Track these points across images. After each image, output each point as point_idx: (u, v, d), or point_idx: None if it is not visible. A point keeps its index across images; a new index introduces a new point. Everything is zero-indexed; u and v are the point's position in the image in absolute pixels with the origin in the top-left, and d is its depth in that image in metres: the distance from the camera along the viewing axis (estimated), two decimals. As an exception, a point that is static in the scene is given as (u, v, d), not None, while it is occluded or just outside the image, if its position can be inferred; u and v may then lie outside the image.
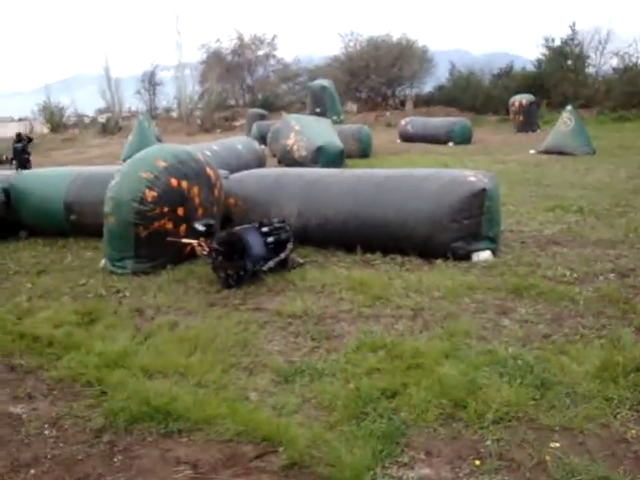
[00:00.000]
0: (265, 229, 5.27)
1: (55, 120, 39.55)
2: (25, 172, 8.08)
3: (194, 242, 5.28)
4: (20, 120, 41.61)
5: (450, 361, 3.37)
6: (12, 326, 4.36)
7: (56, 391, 3.42)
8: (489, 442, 2.65)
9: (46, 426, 3.05)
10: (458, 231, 5.38)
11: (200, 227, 5.21)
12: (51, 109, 40.08)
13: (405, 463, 2.55)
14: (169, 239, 5.42)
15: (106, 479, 2.59)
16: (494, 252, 5.52)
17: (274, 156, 14.43)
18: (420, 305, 4.35)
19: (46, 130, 38.03)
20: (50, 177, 7.74)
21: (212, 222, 5.35)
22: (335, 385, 3.21)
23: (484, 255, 5.42)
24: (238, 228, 5.37)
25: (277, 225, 5.34)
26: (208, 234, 5.21)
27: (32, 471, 2.68)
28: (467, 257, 5.39)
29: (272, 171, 7.52)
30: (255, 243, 5.14)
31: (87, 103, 45.53)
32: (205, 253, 5.18)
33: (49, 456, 2.79)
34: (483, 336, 3.76)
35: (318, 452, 2.62)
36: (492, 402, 2.89)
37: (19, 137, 16.13)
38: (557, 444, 2.61)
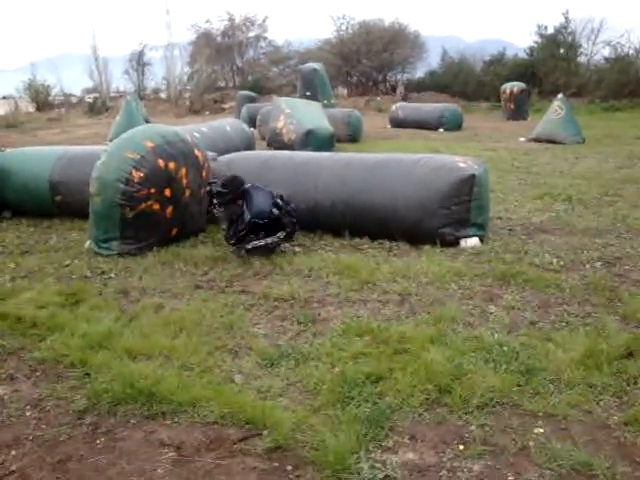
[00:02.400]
0: (279, 201, 5.20)
1: (41, 99, 38.95)
2: (10, 151, 7.93)
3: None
4: (4, 98, 40.95)
5: (436, 347, 3.37)
6: (-6, 307, 4.30)
7: (39, 372, 3.38)
8: (473, 427, 2.65)
9: (28, 407, 3.01)
10: (446, 217, 5.37)
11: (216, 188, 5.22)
12: (36, 87, 39.44)
13: (389, 447, 2.55)
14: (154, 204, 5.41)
15: (88, 461, 2.56)
16: (482, 239, 5.52)
17: (263, 139, 14.31)
18: (407, 290, 4.35)
19: (31, 109, 37.48)
20: (35, 156, 7.61)
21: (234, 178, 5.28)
22: (320, 369, 3.20)
23: (472, 242, 5.42)
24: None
25: (290, 208, 5.28)
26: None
27: (13, 452, 2.65)
28: (455, 243, 5.39)
29: (260, 154, 7.46)
30: (261, 200, 5.08)
31: (74, 82, 44.87)
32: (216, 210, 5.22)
33: (30, 437, 2.75)
34: (469, 322, 3.76)
35: (302, 436, 2.61)
36: (477, 388, 2.89)
37: None
38: (540, 430, 2.62)
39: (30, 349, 3.65)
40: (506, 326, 3.68)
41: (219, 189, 5.05)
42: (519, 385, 2.95)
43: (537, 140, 14.59)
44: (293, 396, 2.98)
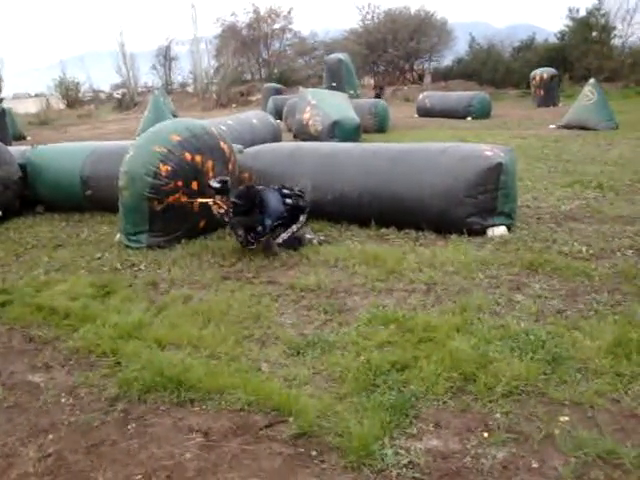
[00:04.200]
0: (285, 191, 5.27)
1: (71, 96, 39.71)
2: (42, 147, 8.12)
3: (209, 200, 5.28)
4: (36, 96, 41.83)
5: (461, 335, 3.37)
6: (30, 298, 4.43)
7: (72, 361, 3.49)
8: (498, 415, 2.65)
9: (63, 394, 3.12)
10: (473, 206, 5.33)
11: (215, 184, 5.16)
12: (67, 85, 40.20)
13: (413, 434, 2.56)
14: (184, 199, 5.45)
15: (120, 445, 2.65)
16: (509, 228, 5.47)
17: (290, 131, 14.36)
18: (433, 280, 4.34)
19: (62, 106, 38.21)
20: (66, 152, 7.79)
21: (227, 179, 5.30)
22: (346, 358, 3.22)
23: (499, 230, 5.37)
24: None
25: (297, 192, 5.34)
26: (223, 191, 5.17)
27: (50, 436, 2.75)
28: (482, 232, 5.35)
29: (287, 145, 7.49)
30: (274, 201, 5.13)
31: (103, 79, 45.66)
32: (222, 211, 5.16)
33: (66, 423, 2.85)
34: (496, 311, 3.75)
35: (327, 422, 2.65)
36: (502, 376, 2.89)
37: None
38: (566, 418, 2.61)
39: (64, 339, 3.77)
40: (533, 315, 3.66)
41: (234, 200, 5.08)
42: (545, 373, 2.94)
43: (568, 127, 14.31)
44: (319, 384, 3.01)
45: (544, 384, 2.86)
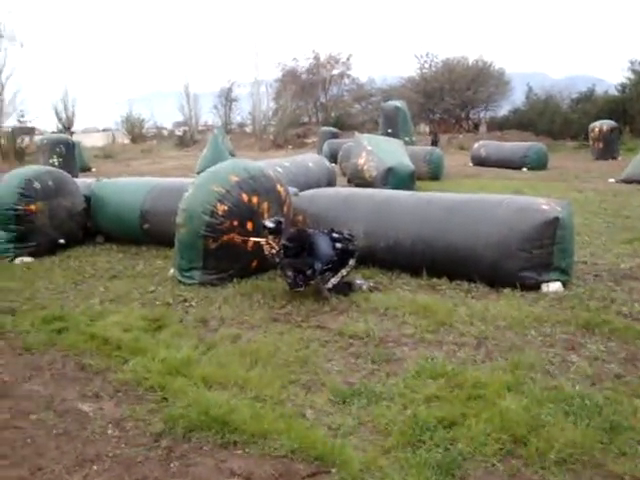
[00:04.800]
0: (335, 235, 5.30)
1: (135, 132, 41.51)
2: (106, 180, 8.48)
3: (262, 240, 5.35)
4: (104, 130, 43.87)
5: (512, 394, 3.26)
6: (85, 327, 4.57)
7: (121, 393, 3.55)
8: (551, 484, 2.54)
9: (110, 426, 3.17)
10: (528, 260, 5.23)
11: (269, 224, 5.26)
12: (132, 121, 42.10)
13: (460, 497, 2.48)
14: (236, 237, 5.54)
15: (162, 484, 2.65)
16: (565, 284, 5.32)
17: (344, 175, 14.51)
18: (484, 334, 4.25)
19: (127, 141, 39.91)
20: (128, 186, 8.10)
21: (281, 220, 5.39)
22: (392, 410, 3.17)
23: (554, 286, 5.23)
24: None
25: (347, 236, 5.36)
26: (277, 231, 5.25)
27: (95, 467, 2.79)
28: (536, 287, 5.22)
29: (342, 190, 7.56)
30: (324, 244, 5.16)
31: (166, 117, 47.56)
32: (274, 252, 5.22)
33: (111, 455, 2.89)
34: (549, 371, 3.62)
35: (371, 477, 2.59)
36: (555, 441, 2.77)
37: None
38: (626, 495, 2.47)
39: (114, 370, 3.85)
40: (589, 378, 3.51)
41: (285, 243, 5.14)
42: (602, 443, 2.80)
43: (628, 181, 13.93)
44: (363, 435, 2.96)
45: (601, 454, 2.72)
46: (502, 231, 5.34)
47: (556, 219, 5.20)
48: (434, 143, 24.17)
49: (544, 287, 5.22)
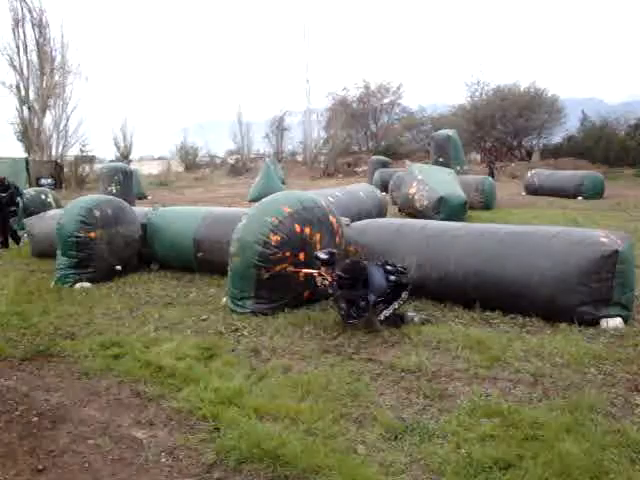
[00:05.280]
0: (389, 268, 5.28)
1: (189, 160, 42.72)
2: (161, 209, 8.72)
3: (315, 272, 5.37)
4: (159, 159, 45.33)
5: (572, 437, 3.14)
6: (140, 354, 4.67)
7: (174, 421, 3.60)
8: (615, 535, 2.42)
9: (163, 454, 3.22)
10: (586, 294, 5.07)
11: (323, 255, 5.29)
12: (186, 149, 43.39)
13: None
14: (290, 269, 5.59)
15: (214, 516, 2.66)
16: (626, 320, 5.12)
17: (395, 204, 14.50)
18: (541, 371, 4.12)
19: (181, 169, 41.09)
20: (182, 215, 8.31)
21: (334, 251, 5.41)
22: (445, 448, 3.10)
23: (614, 322, 5.04)
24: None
25: (400, 268, 5.34)
26: (330, 263, 5.28)
27: (148, 497, 2.83)
28: (595, 323, 5.04)
29: (393, 221, 7.55)
30: (378, 276, 5.14)
31: (219, 145, 48.75)
32: (326, 283, 5.23)
33: (164, 484, 2.93)
34: (611, 413, 3.47)
35: (425, 519, 2.53)
36: (620, 490, 2.65)
37: (2, 184, 10.96)
38: None
39: (168, 398, 3.92)
40: (654, 421, 3.35)
41: (339, 274, 5.15)
42: (670, 492, 2.66)
43: (691, 212, 13.41)
44: (416, 474, 2.91)
45: (669, 506, 2.58)
46: (558, 265, 5.20)
47: (615, 252, 5.04)
48: (491, 173, 23.87)
49: (603, 323, 5.04)
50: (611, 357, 4.33)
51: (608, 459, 2.91)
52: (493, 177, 25.40)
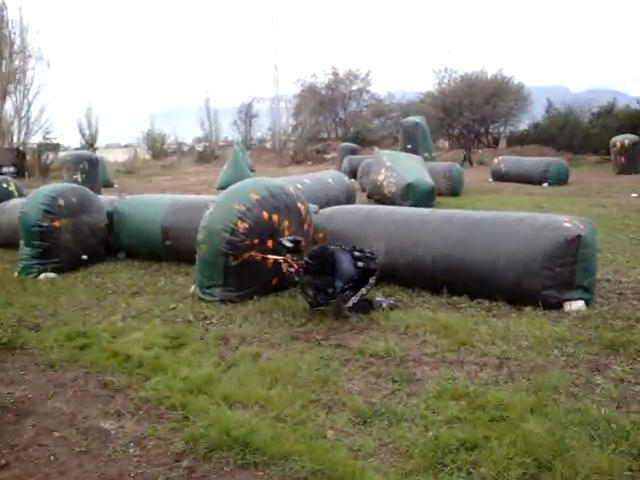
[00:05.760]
0: (357, 254, 5.30)
1: (157, 147, 42.06)
2: (128, 197, 8.60)
3: (281, 258, 5.37)
4: (125, 146, 44.54)
5: (536, 417, 3.21)
6: (107, 344, 4.61)
7: (142, 411, 3.57)
8: (576, 511, 2.49)
9: (131, 444, 3.18)
10: (550, 278, 5.18)
11: (287, 243, 5.28)
12: (154, 137, 42.69)
13: (484, 523, 2.44)
14: (254, 254, 5.56)
15: (184, 505, 2.66)
16: (588, 302, 5.25)
17: (364, 190, 14.53)
18: (506, 354, 4.20)
19: (148, 156, 40.45)
20: (149, 203, 8.19)
21: (299, 239, 5.40)
22: (414, 431, 3.14)
23: (577, 305, 5.16)
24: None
25: (368, 254, 5.36)
26: (295, 251, 5.27)
27: (117, 487, 2.80)
28: (558, 306, 5.16)
29: (362, 207, 7.58)
30: (345, 262, 5.15)
31: (187, 132, 48.13)
32: (292, 270, 5.23)
33: (132, 474, 2.90)
34: (573, 393, 3.56)
35: (393, 501, 2.57)
36: (581, 467, 2.71)
37: None
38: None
39: (136, 388, 3.87)
40: (614, 400, 3.45)
41: (307, 260, 5.15)
42: (631, 470, 2.73)
43: (652, 196, 13.77)
44: (385, 457, 2.94)
45: (629, 482, 2.66)
46: (523, 250, 5.30)
47: (578, 237, 5.15)
48: (469, 160, 24.11)
49: (566, 306, 5.16)
50: (574, 339, 4.44)
51: (570, 437, 2.98)
52: (471, 164, 25.72)
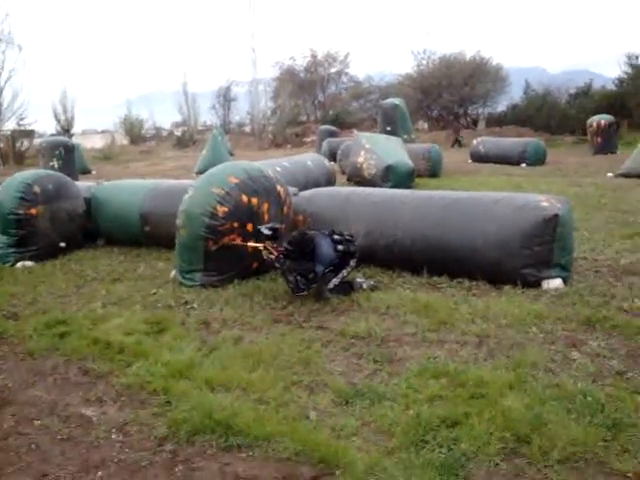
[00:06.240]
0: (336, 237, 5.31)
1: (134, 133, 41.46)
2: (106, 183, 8.49)
3: (260, 245, 5.36)
4: (102, 132, 43.82)
5: (515, 393, 3.27)
6: (87, 331, 4.58)
7: (124, 397, 3.55)
8: (554, 483, 2.55)
9: (114, 430, 3.18)
10: (528, 257, 5.24)
11: (266, 231, 5.28)
12: (131, 122, 42.05)
13: (464, 497, 2.49)
14: (234, 243, 5.54)
15: (167, 488, 2.66)
16: (565, 280, 5.33)
17: (344, 173, 14.52)
18: (486, 332, 4.25)
19: (126, 142, 39.87)
20: (128, 189, 8.10)
21: (278, 226, 5.40)
22: (395, 410, 3.18)
23: (555, 283, 5.24)
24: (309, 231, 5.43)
25: (347, 237, 5.37)
26: (274, 238, 5.27)
27: (99, 473, 2.80)
28: (537, 284, 5.23)
29: (341, 190, 7.57)
30: (325, 247, 5.17)
31: (165, 117, 47.52)
32: (272, 257, 5.23)
33: (115, 460, 2.90)
34: (551, 369, 3.63)
35: (375, 478, 2.60)
36: (558, 440, 2.78)
37: None
38: (629, 491, 2.48)
39: (117, 374, 3.86)
40: (591, 375, 3.52)
41: (286, 246, 5.15)
42: (605, 440, 2.80)
43: (627, 175, 13.93)
44: (367, 436, 2.97)
45: (604, 452, 2.73)
46: (502, 229, 5.35)
47: (556, 216, 5.21)
48: (458, 143, 24.16)
49: (544, 284, 5.23)
50: (551, 316, 4.51)
51: (547, 411, 3.04)
52: (461, 146, 25.81)
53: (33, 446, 3.07)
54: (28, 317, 5.04)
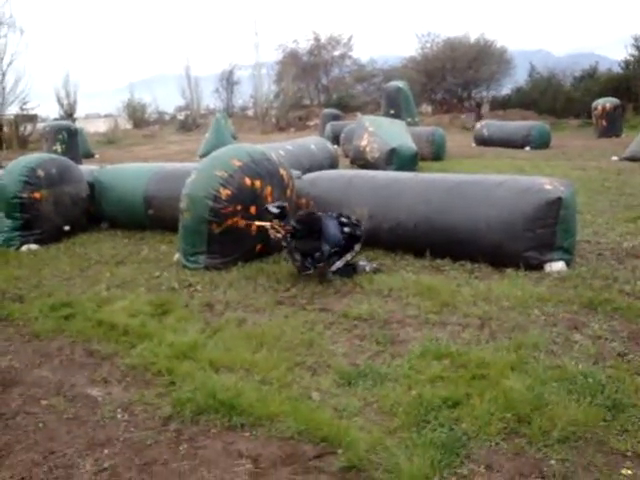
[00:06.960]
0: (343, 219, 5.32)
1: (137, 117, 41.32)
2: (109, 167, 8.50)
3: (267, 224, 5.37)
4: (106, 116, 43.67)
5: (516, 374, 3.30)
6: (92, 313, 4.61)
7: (129, 378, 3.59)
8: (553, 462, 2.57)
9: (119, 410, 3.22)
10: (531, 240, 5.24)
11: (273, 209, 5.28)
12: (134, 106, 41.89)
13: (464, 475, 2.52)
14: (240, 221, 5.55)
15: (171, 465, 2.70)
16: (568, 263, 5.33)
17: (347, 156, 14.47)
18: (488, 314, 4.27)
19: (129, 126, 39.75)
20: (131, 172, 8.11)
21: (285, 204, 5.41)
22: (397, 391, 3.21)
23: (557, 266, 5.25)
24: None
25: (354, 221, 5.38)
26: (281, 216, 5.28)
27: (106, 451, 2.84)
28: (539, 267, 5.24)
29: (345, 173, 7.56)
30: (332, 227, 5.19)
31: (168, 101, 47.31)
32: (279, 235, 5.24)
33: (121, 439, 2.94)
34: (552, 350, 3.65)
35: (377, 457, 2.63)
36: (558, 420, 2.80)
37: None
38: (629, 471, 2.49)
39: (122, 355, 3.90)
40: (592, 356, 3.54)
41: (294, 225, 5.16)
42: (605, 420, 2.83)
43: (631, 159, 13.85)
44: (369, 416, 3.00)
45: (604, 432, 2.75)
46: (505, 212, 5.34)
47: (559, 199, 5.20)
48: (479, 116, 24.21)
49: (547, 267, 5.23)
50: (553, 299, 4.52)
51: (548, 392, 3.07)
52: None
53: (40, 425, 3.12)
54: (33, 300, 5.08)
